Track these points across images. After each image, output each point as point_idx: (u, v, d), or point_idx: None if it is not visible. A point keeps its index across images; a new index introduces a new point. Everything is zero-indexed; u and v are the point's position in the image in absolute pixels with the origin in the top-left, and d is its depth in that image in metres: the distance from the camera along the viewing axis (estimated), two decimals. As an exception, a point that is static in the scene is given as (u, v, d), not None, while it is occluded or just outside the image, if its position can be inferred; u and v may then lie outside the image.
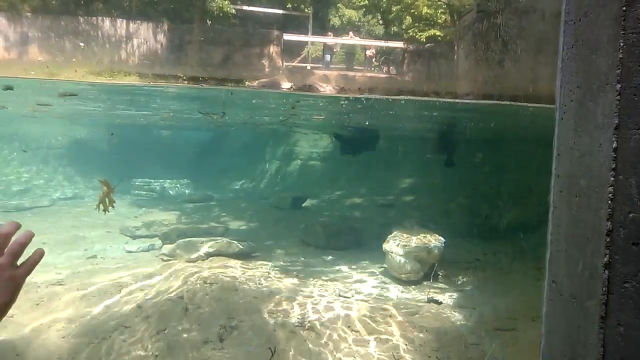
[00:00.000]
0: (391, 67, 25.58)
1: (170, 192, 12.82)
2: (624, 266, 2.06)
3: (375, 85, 19.99)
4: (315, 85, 17.37)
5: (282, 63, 23.17)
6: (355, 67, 26.05)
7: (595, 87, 2.30)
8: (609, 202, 2.06)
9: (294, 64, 26.42)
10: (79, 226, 9.52)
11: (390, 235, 6.43)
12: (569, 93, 2.51)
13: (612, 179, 2.06)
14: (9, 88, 15.65)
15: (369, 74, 21.87)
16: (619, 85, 2.17)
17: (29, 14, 19.89)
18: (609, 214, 2.06)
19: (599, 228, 2.16)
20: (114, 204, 6.79)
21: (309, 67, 25.79)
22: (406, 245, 6.20)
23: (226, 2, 22.99)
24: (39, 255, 1.60)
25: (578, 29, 2.42)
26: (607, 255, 2.11)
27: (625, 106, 2.10)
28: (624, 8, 2.21)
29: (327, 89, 17.45)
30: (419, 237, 6.23)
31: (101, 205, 6.71)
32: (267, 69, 22.25)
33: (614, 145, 2.10)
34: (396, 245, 6.26)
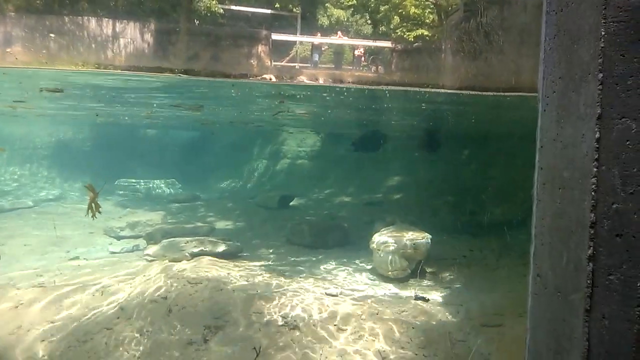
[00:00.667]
0: (379, 67, 25.61)
1: (156, 192, 12.63)
2: (608, 258, 2.02)
3: (366, 83, 19.95)
4: (304, 83, 17.29)
5: (271, 62, 23.09)
6: (344, 67, 26.05)
7: (577, 77, 2.26)
8: (593, 193, 2.02)
9: (282, 63, 26.33)
10: (61, 227, 9.35)
11: (376, 233, 6.39)
12: (551, 84, 2.48)
13: (595, 169, 2.02)
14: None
15: (357, 73, 21.86)
16: (601, 75, 2.13)
17: (13, 13, 19.63)
18: (592, 205, 2.02)
19: (583, 220, 2.13)
20: (100, 209, 6.70)
21: (297, 67, 25.72)
22: (393, 243, 6.17)
23: (214, 2, 22.84)
24: None
25: (560, 19, 2.39)
26: (592, 248, 2.07)
27: (607, 96, 2.07)
28: None
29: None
30: (405, 234, 6.19)
31: (89, 210, 6.63)
32: (255, 69, 22.15)
33: (597, 135, 2.06)
34: (383, 243, 6.23)
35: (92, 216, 6.51)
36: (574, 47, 2.35)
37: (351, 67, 25.37)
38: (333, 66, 25.76)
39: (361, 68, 25.13)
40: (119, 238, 8.52)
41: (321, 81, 19.73)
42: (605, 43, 2.18)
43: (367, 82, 20.13)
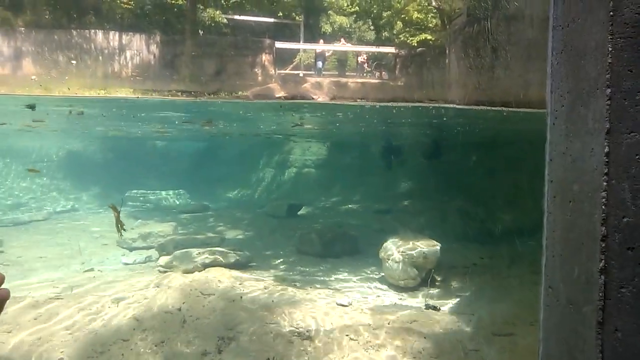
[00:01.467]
0: (383, 73, 25.69)
1: (166, 202, 12.70)
2: (619, 271, 2.06)
3: (368, 92, 20.01)
4: (308, 93, 17.39)
5: (275, 71, 23.24)
6: (347, 73, 26.15)
7: (585, 92, 2.31)
8: (603, 207, 2.06)
9: (286, 71, 26.48)
10: (75, 239, 9.46)
11: (386, 242, 6.40)
12: (560, 98, 2.52)
13: (605, 184, 2.06)
14: (30, 107, 15.44)
15: (361, 80, 21.92)
16: (609, 90, 2.18)
17: (23, 28, 20.04)
18: (603, 218, 2.06)
19: (594, 233, 2.16)
20: (124, 227, 6.84)
21: (301, 74, 25.84)
22: (402, 252, 6.18)
23: (217, 12, 23.06)
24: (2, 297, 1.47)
25: (566, 34, 2.44)
26: (603, 261, 2.11)
27: (615, 111, 2.11)
28: (611, 13, 2.22)
29: (320, 98, 17.46)
30: (414, 243, 6.20)
31: (118, 228, 6.78)
32: (259, 78, 22.29)
33: (606, 150, 2.11)
34: (392, 252, 6.24)
35: (120, 234, 6.68)
36: (581, 63, 2.39)
37: (355, 74, 25.48)
38: (337, 73, 25.89)
39: (365, 74, 25.23)
40: (131, 249, 8.61)
41: (325, 92, 19.78)
42: (612, 59, 2.23)
43: (371, 88, 20.16)
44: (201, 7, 22.62)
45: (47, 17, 20.24)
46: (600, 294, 2.08)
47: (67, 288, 6.45)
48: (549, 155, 2.64)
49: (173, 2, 22.60)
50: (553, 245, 2.51)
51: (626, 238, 2.05)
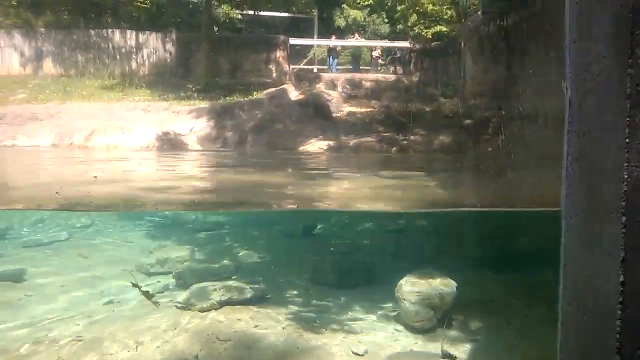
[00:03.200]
0: (398, 67, 25.58)
1: (182, 218, 12.97)
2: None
3: (384, 89, 19.97)
4: (322, 94, 17.46)
5: (289, 67, 23.25)
6: (361, 67, 26.01)
7: (601, 214, 2.47)
8: (617, 335, 2.23)
9: (300, 66, 26.46)
10: (94, 261, 9.72)
11: (402, 280, 6.56)
12: (574, 208, 2.68)
13: (620, 312, 2.23)
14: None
15: (375, 76, 21.78)
16: (624, 218, 2.33)
17: (43, 29, 20.19)
18: (617, 348, 2.21)
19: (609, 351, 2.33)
20: (153, 299, 7.10)
21: (315, 70, 25.82)
22: (418, 293, 6.35)
23: (232, 9, 23.06)
24: None
25: (582, 144, 2.58)
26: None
27: (631, 238, 2.25)
28: (627, 140, 2.36)
29: (334, 97, 17.54)
30: (430, 282, 6.35)
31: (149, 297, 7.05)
32: (274, 74, 22.35)
33: (621, 279, 2.27)
34: (408, 292, 6.41)
35: (155, 304, 6.97)
36: (596, 180, 2.54)
37: (369, 68, 25.35)
38: (351, 67, 25.80)
39: (379, 68, 25.08)
40: (149, 275, 8.85)
41: (339, 90, 19.77)
42: (628, 186, 2.32)
43: (386, 87, 20.10)
44: (215, 3, 22.59)
45: (65, 17, 20.43)
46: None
47: (87, 325, 6.74)
48: (564, 260, 2.79)
49: (188, -1, 22.61)
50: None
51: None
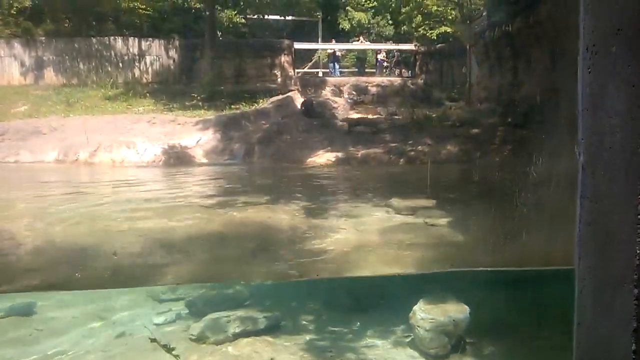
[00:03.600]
0: (403, 70, 25.42)
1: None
2: None
3: (390, 94, 19.78)
4: (328, 101, 17.36)
5: (294, 72, 23.13)
6: (366, 70, 25.83)
7: (614, 283, 2.42)
8: None
9: (304, 69, 26.32)
10: (106, 293, 9.57)
11: (415, 307, 6.52)
12: (587, 273, 2.64)
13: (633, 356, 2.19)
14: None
15: (381, 79, 21.59)
16: (636, 290, 2.29)
17: (43, 38, 20.17)
18: None
19: None
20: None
21: (320, 74, 25.68)
22: (432, 320, 6.32)
23: (235, 14, 22.96)
24: None
25: (595, 210, 2.53)
26: None
27: None
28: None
29: (340, 104, 17.42)
30: (443, 308, 6.34)
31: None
32: (279, 79, 22.24)
33: (633, 347, 2.23)
34: (421, 319, 6.37)
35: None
36: (610, 249, 2.51)
37: (374, 71, 25.15)
38: (356, 70, 25.62)
39: (385, 71, 24.87)
40: (160, 301, 8.73)
41: (345, 96, 19.67)
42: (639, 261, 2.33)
43: (392, 92, 19.95)
44: (219, 7, 22.48)
45: (66, 25, 20.36)
46: None
47: (100, 360, 6.64)
48: (577, 318, 2.76)
49: (192, 5, 22.53)
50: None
51: None
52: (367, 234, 7.48)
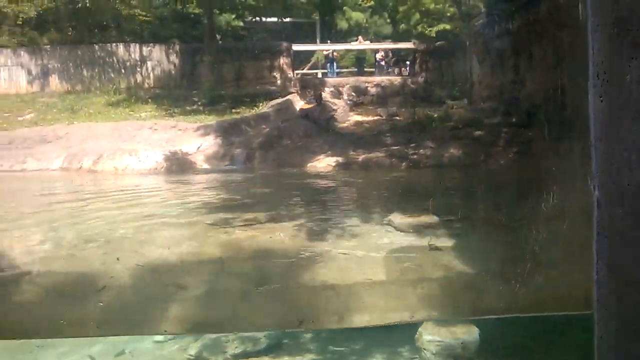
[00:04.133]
0: (402, 69, 25.37)
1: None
2: None
3: (390, 95, 19.79)
4: (328, 104, 17.39)
5: (293, 74, 23.11)
6: (365, 69, 25.76)
7: (632, 320, 2.43)
8: None
9: (303, 70, 26.31)
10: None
11: (421, 328, 6.43)
12: (602, 296, 2.65)
13: None
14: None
15: (380, 79, 21.55)
16: None
17: (48, 46, 20.37)
18: None
19: None
20: None
21: (319, 75, 25.68)
22: (439, 343, 6.24)
23: (233, 17, 23.00)
24: None
25: (610, 246, 2.54)
26: None
27: None
28: None
29: (340, 106, 17.46)
30: (452, 330, 6.26)
31: None
32: (278, 81, 22.25)
33: None
34: (428, 342, 6.29)
35: None
36: (629, 293, 2.46)
37: (373, 70, 25.10)
38: (356, 70, 25.59)
39: (386, 69, 24.81)
40: None
41: (344, 98, 19.63)
42: None
43: (392, 93, 19.95)
44: (217, 11, 22.51)
45: (70, 34, 20.54)
46: None
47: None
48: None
49: (190, 10, 22.62)
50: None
51: None
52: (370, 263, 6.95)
